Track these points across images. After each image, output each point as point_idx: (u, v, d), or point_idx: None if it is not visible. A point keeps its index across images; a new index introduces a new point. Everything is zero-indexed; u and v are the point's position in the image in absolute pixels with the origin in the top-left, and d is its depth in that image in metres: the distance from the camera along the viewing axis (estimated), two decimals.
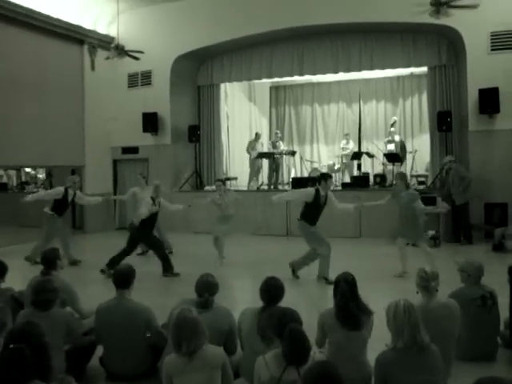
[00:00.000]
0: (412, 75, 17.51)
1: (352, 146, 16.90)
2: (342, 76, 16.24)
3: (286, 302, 4.32)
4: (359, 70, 14.68)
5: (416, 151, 15.69)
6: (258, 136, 16.42)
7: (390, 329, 3.57)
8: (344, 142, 17.32)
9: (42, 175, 20.76)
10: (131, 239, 9.26)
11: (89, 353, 4.97)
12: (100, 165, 15.71)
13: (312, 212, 8.51)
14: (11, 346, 3.12)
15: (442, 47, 13.57)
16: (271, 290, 4.42)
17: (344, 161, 16.76)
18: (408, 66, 14.25)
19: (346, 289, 4.23)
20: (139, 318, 4.75)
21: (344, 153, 16.86)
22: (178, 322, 3.65)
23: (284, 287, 4.50)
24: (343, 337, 4.17)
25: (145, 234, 9.25)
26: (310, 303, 7.07)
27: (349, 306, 4.19)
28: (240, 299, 7.06)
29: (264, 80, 16.82)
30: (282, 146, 16.62)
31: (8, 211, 15.08)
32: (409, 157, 15.65)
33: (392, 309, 3.57)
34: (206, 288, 4.54)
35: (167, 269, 9.14)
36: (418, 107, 17.97)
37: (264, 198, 14.41)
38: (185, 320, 3.63)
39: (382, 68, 14.47)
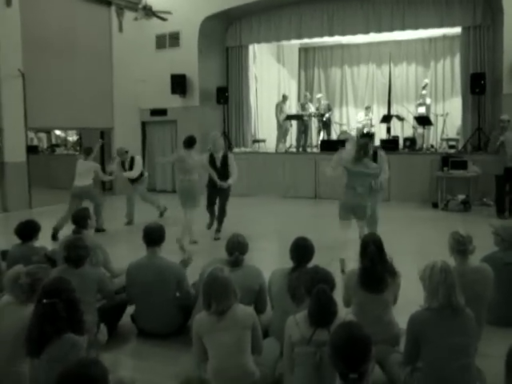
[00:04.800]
0: (444, 37, 17.03)
1: (370, 118, 16.63)
2: (372, 37, 15.89)
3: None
4: (390, 30, 14.32)
5: (447, 114, 15.38)
6: (285, 98, 16.22)
7: (426, 289, 3.52)
8: (362, 114, 17.04)
9: (71, 138, 20.95)
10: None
11: (120, 310, 5.07)
12: (128, 127, 15.74)
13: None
14: (44, 300, 3.19)
15: (477, 7, 13.13)
16: (301, 250, 4.43)
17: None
18: (441, 26, 13.83)
19: (374, 251, 4.20)
20: (170, 276, 4.82)
21: (359, 125, 16.60)
22: (209, 281, 3.66)
23: (314, 247, 4.49)
24: (365, 299, 4.18)
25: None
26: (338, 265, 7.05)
27: (376, 269, 4.17)
28: (269, 261, 7.07)
29: (293, 41, 16.56)
30: (312, 108, 16.44)
31: (39, 173, 15.25)
32: (439, 120, 15.36)
33: (428, 269, 3.53)
34: (237, 247, 4.56)
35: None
36: (450, 70, 17.54)
37: (292, 161, 14.38)
38: (216, 279, 3.64)
39: (415, 28, 14.08)
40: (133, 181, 10.79)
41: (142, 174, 10.86)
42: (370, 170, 7.08)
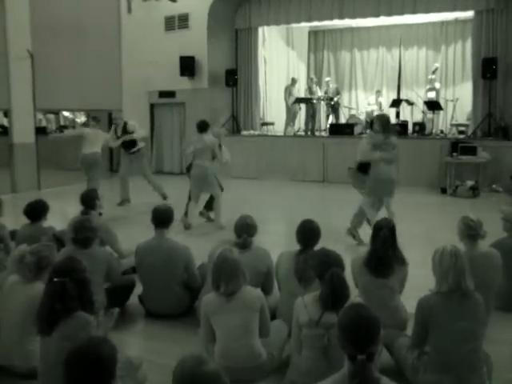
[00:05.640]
0: (456, 20, 16.80)
1: (380, 102, 16.50)
2: (382, 21, 15.73)
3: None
4: (401, 13, 14.14)
5: (457, 99, 15.26)
6: (294, 81, 16.15)
7: (435, 273, 3.51)
8: (372, 97, 16.85)
9: (79, 119, 20.94)
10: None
11: (128, 291, 5.09)
12: (137, 109, 15.68)
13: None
14: (55, 279, 3.21)
15: None
16: (307, 233, 4.42)
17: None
18: (453, 9, 13.64)
19: (387, 236, 4.19)
20: (178, 258, 4.83)
21: (368, 109, 16.48)
22: (218, 262, 3.67)
23: (320, 230, 4.49)
24: (370, 283, 4.19)
25: None
26: (346, 249, 7.05)
27: (387, 253, 4.16)
28: (276, 243, 7.08)
29: (303, 24, 16.39)
30: (319, 92, 16.35)
31: (47, 154, 15.27)
32: (449, 105, 15.24)
33: (438, 253, 3.51)
34: (245, 229, 4.56)
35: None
36: (461, 54, 17.33)
37: (300, 144, 14.33)
38: (225, 260, 3.65)
39: (426, 12, 13.90)
40: (130, 155, 10.51)
41: (135, 143, 10.52)
42: (394, 143, 7.17)
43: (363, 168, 7.52)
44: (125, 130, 10.41)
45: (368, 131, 8.11)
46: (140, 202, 10.13)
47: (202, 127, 8.54)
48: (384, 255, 4.16)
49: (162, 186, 10.73)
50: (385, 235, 4.18)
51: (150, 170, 11.17)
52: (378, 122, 7.37)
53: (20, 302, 3.70)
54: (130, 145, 10.44)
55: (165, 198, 10.42)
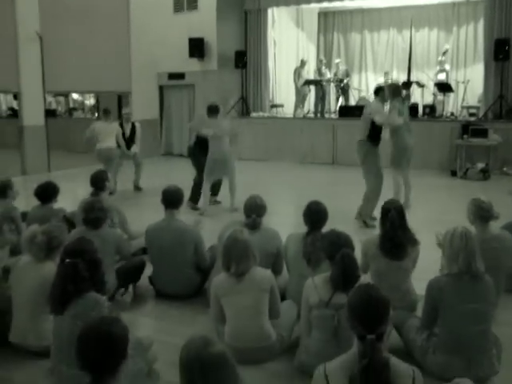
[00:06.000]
0: (468, 1, 16.63)
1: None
2: (393, 1, 15.63)
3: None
4: None
5: (468, 81, 15.11)
6: (303, 63, 16.04)
7: (446, 255, 3.51)
8: (382, 78, 16.59)
9: (88, 101, 20.96)
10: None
11: (138, 272, 5.11)
12: (146, 91, 15.69)
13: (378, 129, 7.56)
14: (67, 260, 3.23)
15: None
16: (314, 215, 4.42)
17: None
18: None
19: (395, 217, 4.18)
20: (188, 239, 4.85)
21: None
22: (228, 243, 3.68)
23: (327, 211, 4.48)
24: (385, 266, 4.18)
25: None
26: (355, 231, 7.05)
27: (397, 235, 4.15)
28: (285, 225, 7.08)
29: (313, 5, 16.28)
30: (329, 74, 16.25)
31: (57, 137, 15.29)
32: (460, 87, 15.11)
33: (449, 235, 3.50)
34: (254, 209, 4.56)
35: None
36: (473, 36, 17.13)
37: (310, 126, 14.27)
38: (236, 241, 3.65)
39: None
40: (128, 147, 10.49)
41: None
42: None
43: (375, 136, 7.42)
44: (133, 132, 10.50)
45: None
46: (152, 185, 10.13)
47: (215, 110, 8.48)
48: (394, 236, 4.15)
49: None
50: (392, 217, 4.16)
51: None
52: (390, 90, 7.31)
53: (32, 282, 3.74)
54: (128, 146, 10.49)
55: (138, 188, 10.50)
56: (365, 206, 7.52)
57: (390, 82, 16.17)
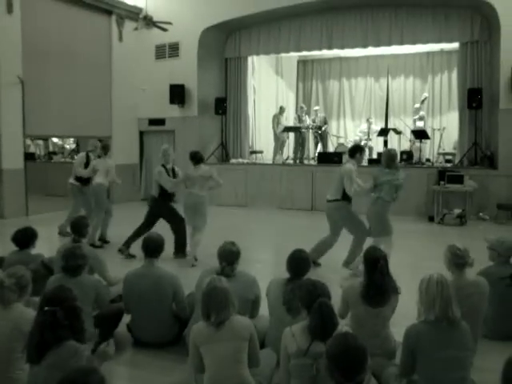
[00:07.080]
0: (442, 51, 17.17)
1: (372, 130, 16.60)
2: (370, 51, 15.97)
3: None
4: (389, 44, 14.43)
5: (444, 129, 15.46)
6: (282, 110, 16.32)
7: (422, 302, 3.53)
8: (364, 125, 16.97)
9: (68, 146, 20.94)
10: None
11: (116, 319, 5.05)
12: (126, 136, 15.79)
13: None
14: (45, 308, 3.20)
15: (474, 22, 13.25)
16: (297, 263, 4.42)
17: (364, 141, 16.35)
18: (439, 41, 13.92)
19: (384, 266, 4.21)
20: (167, 286, 4.82)
21: (356, 138, 16.69)
22: (207, 291, 3.66)
23: (310, 260, 4.51)
24: (365, 313, 4.18)
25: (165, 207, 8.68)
26: (337, 278, 7.07)
27: (385, 283, 4.17)
28: (265, 271, 7.08)
29: (292, 53, 16.68)
30: (308, 121, 16.52)
31: (36, 180, 15.24)
32: (436, 134, 15.43)
33: (425, 282, 3.54)
34: (225, 256, 4.55)
35: (178, 250, 8.51)
36: (448, 84, 17.67)
37: (289, 172, 14.41)
38: (215, 289, 3.63)
39: (413, 43, 14.19)
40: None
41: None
42: (400, 179, 7.26)
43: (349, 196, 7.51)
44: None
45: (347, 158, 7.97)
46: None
47: (198, 159, 8.25)
48: (382, 285, 4.15)
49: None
50: (382, 267, 4.19)
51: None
52: (384, 157, 7.44)
53: (2, 329, 3.65)
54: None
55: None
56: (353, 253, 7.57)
57: (372, 129, 16.46)
